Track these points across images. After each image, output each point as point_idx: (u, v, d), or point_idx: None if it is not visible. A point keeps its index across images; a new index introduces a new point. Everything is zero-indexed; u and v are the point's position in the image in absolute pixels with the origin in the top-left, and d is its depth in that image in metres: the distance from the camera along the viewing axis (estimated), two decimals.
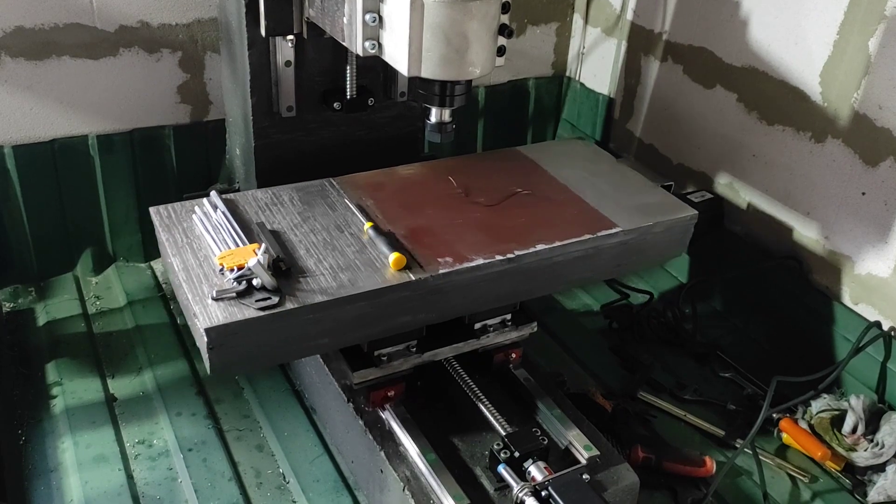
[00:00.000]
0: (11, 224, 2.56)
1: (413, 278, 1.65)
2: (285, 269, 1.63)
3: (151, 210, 1.85)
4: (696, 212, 2.00)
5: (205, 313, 1.51)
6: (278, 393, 2.27)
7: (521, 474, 1.71)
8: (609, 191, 2.03)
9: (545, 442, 1.76)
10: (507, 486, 1.70)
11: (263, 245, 1.65)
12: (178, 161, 2.70)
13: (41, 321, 2.51)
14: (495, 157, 2.20)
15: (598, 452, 1.82)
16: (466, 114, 3.07)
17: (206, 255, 1.69)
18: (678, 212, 1.99)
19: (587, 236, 1.84)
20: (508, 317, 1.97)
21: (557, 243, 1.80)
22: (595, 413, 2.12)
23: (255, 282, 1.56)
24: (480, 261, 1.72)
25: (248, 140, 2.09)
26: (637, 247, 1.93)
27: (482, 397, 1.89)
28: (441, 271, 1.68)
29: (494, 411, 1.85)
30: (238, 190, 2.31)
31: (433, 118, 1.71)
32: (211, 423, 2.16)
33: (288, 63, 1.98)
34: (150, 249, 2.79)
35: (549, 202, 1.97)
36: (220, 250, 1.67)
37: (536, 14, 3.12)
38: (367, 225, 1.79)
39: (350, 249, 1.73)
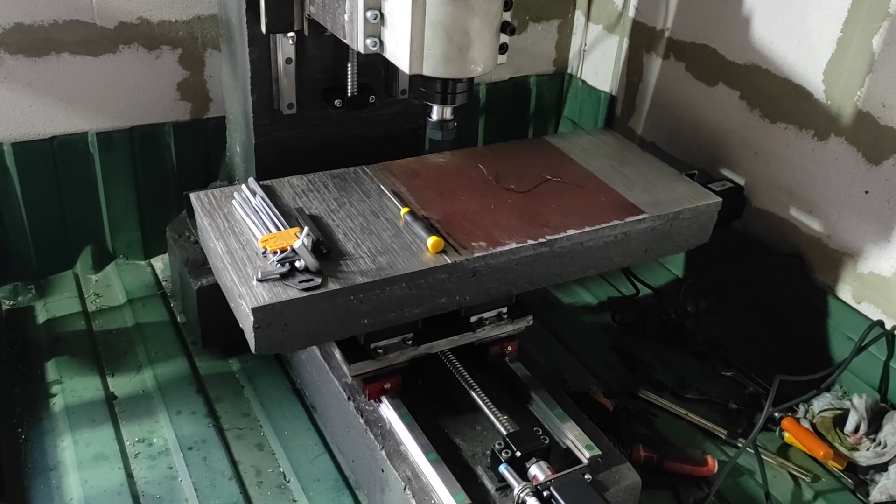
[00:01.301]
0: (11, 222, 2.55)
1: (450, 261, 1.71)
2: (325, 252, 1.68)
3: (192, 196, 1.91)
4: (720, 199, 2.07)
5: (251, 294, 1.56)
6: (279, 391, 2.26)
7: (523, 474, 1.70)
8: (636, 179, 2.10)
9: (546, 441, 1.75)
10: (509, 486, 1.69)
11: (305, 228, 1.69)
12: (178, 158, 2.69)
13: (41, 319, 2.50)
14: (524, 146, 2.29)
15: (600, 452, 1.81)
16: (468, 111, 3.06)
17: (248, 239, 1.75)
18: (703, 199, 2.06)
19: (616, 222, 1.90)
20: (504, 310, 1.99)
21: (588, 228, 1.87)
22: (596, 412, 2.11)
23: (297, 264, 1.61)
24: (514, 245, 1.78)
25: (248, 137, 2.08)
26: (665, 232, 2.01)
27: (483, 395, 1.88)
28: (476, 255, 1.74)
29: (496, 410, 1.85)
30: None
31: (434, 116, 1.70)
32: (211, 422, 2.16)
33: (289, 60, 1.97)
34: (150, 247, 2.78)
35: (579, 189, 2.03)
36: (262, 234, 1.73)
37: (538, 11, 3.11)
38: (404, 210, 1.84)
39: (386, 234, 1.79)
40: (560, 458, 1.81)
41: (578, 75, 3.26)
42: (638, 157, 2.25)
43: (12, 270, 2.62)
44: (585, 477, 1.71)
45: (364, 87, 2.07)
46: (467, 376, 1.94)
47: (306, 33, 1.87)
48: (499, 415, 1.84)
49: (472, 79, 1.64)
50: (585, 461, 1.79)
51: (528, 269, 1.83)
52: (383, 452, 1.81)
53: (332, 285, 1.60)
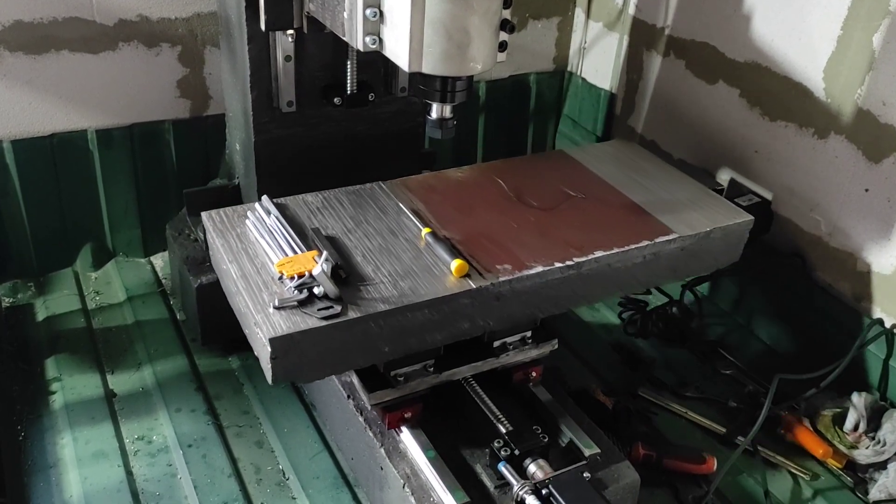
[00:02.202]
0: (10, 219, 2.55)
1: (474, 286, 1.64)
2: (345, 276, 1.62)
3: (203, 215, 1.84)
4: (752, 217, 1.98)
5: (268, 323, 1.49)
6: (278, 389, 2.26)
7: (522, 472, 1.70)
8: (661, 194, 2.02)
9: (546, 440, 1.75)
10: (508, 484, 1.69)
11: (324, 253, 1.62)
12: (178, 156, 2.69)
13: (40, 316, 2.50)
14: (542, 159, 2.23)
15: (599, 450, 1.81)
16: (467, 109, 3.06)
17: (263, 262, 1.67)
18: (734, 217, 1.97)
19: (646, 242, 1.82)
20: (528, 334, 1.92)
21: (616, 249, 1.79)
22: (596, 410, 2.11)
23: (316, 290, 1.55)
24: (540, 268, 1.71)
25: (247, 135, 2.08)
26: (694, 253, 1.92)
27: (482, 393, 1.88)
28: (501, 279, 1.67)
29: (494, 409, 1.84)
30: (238, 186, 2.31)
31: (434, 114, 1.69)
32: (210, 420, 2.16)
33: (288, 58, 1.97)
34: (150, 244, 2.78)
35: (603, 206, 1.96)
36: (278, 257, 1.66)
37: (538, 8, 3.11)
38: (425, 230, 1.78)
39: (406, 255, 1.72)
40: (559, 456, 1.81)
41: (578, 73, 3.25)
42: (661, 170, 2.16)
43: (12, 268, 2.63)
44: (584, 475, 1.71)
45: (363, 84, 2.07)
46: (482, 393, 1.89)
47: (306, 31, 1.86)
48: (497, 413, 1.84)
49: (472, 77, 1.63)
50: (584, 459, 1.78)
51: (554, 293, 1.76)
52: (382, 450, 1.81)
53: (353, 313, 1.54)
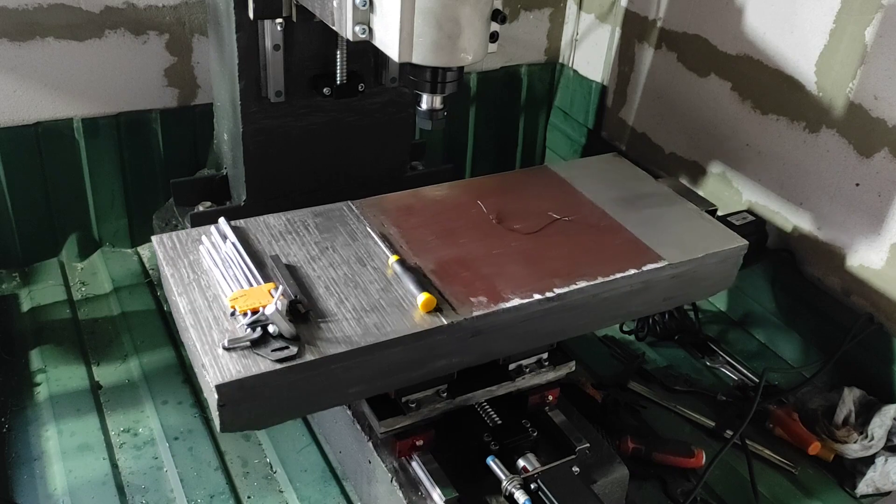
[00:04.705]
0: None
1: (445, 322, 1.52)
2: (304, 311, 1.50)
3: (154, 239, 1.70)
4: (746, 242, 1.89)
5: (215, 366, 1.37)
6: None
7: (511, 466, 1.69)
8: (652, 217, 1.91)
9: (535, 434, 1.75)
10: (497, 479, 1.68)
11: (280, 287, 1.49)
12: (165, 146, 2.66)
13: (25, 307, 2.48)
14: (527, 176, 2.09)
15: (588, 444, 1.80)
16: (458, 100, 3.04)
17: (216, 294, 1.55)
18: (728, 242, 1.86)
19: (633, 271, 1.71)
20: (545, 356, 1.84)
21: (601, 279, 1.67)
22: (585, 403, 2.11)
23: (271, 328, 1.42)
24: (518, 301, 1.58)
25: (236, 125, 2.06)
26: (687, 280, 1.81)
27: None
28: (475, 313, 1.55)
29: (484, 403, 1.83)
30: (226, 176, 2.28)
31: (424, 105, 1.67)
32: (197, 412, 2.14)
33: (277, 47, 1.94)
34: (137, 235, 2.76)
35: (590, 230, 1.84)
36: (232, 289, 1.52)
37: None
38: (393, 258, 1.65)
39: (374, 287, 1.60)
40: (548, 450, 1.80)
41: (570, 65, 3.24)
42: (652, 188, 2.04)
43: None
44: (573, 469, 1.71)
45: (353, 75, 2.05)
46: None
47: (294, 20, 1.85)
48: (487, 407, 1.83)
49: (463, 68, 1.61)
50: (574, 453, 1.78)
51: (536, 326, 1.64)
52: (370, 444, 1.80)
53: (310, 355, 1.40)
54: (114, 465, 1.97)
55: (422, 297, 1.53)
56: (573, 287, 1.64)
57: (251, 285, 1.53)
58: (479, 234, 1.79)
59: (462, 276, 1.65)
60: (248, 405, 1.39)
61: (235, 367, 1.37)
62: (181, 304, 1.53)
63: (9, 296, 2.52)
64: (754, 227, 2.14)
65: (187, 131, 2.67)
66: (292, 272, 1.61)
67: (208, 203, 2.23)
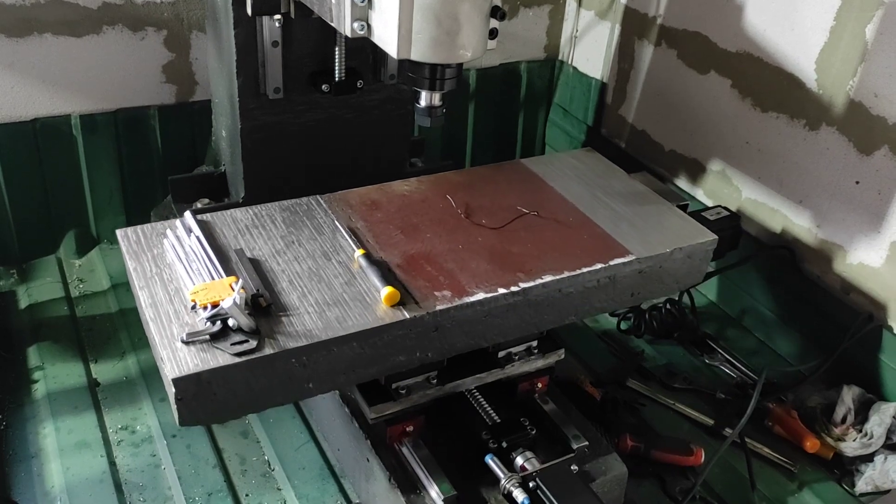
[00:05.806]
0: None
1: (407, 316, 1.51)
2: (266, 305, 1.48)
3: (118, 233, 1.69)
4: (716, 237, 1.87)
5: (173, 359, 1.36)
6: None
7: (509, 465, 1.69)
8: (622, 212, 1.90)
9: (533, 432, 1.74)
10: (495, 477, 1.68)
11: (240, 280, 1.49)
12: (164, 142, 2.65)
13: (23, 304, 2.47)
14: (499, 171, 2.05)
15: (587, 442, 1.81)
16: (457, 97, 3.03)
17: (178, 287, 1.53)
18: (697, 237, 1.85)
19: (599, 265, 1.70)
20: (534, 343, 1.86)
21: (566, 273, 1.66)
22: (584, 402, 2.11)
23: (230, 322, 1.41)
24: (482, 295, 1.57)
25: (234, 122, 2.05)
26: (654, 275, 1.80)
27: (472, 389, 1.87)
28: (438, 307, 1.53)
29: (482, 401, 1.83)
30: (224, 173, 2.28)
31: (423, 102, 1.67)
32: None
33: (275, 43, 1.94)
34: None
35: (558, 225, 1.83)
36: (194, 283, 1.51)
37: None
38: (359, 252, 1.64)
39: (338, 281, 1.58)
40: (547, 448, 1.80)
41: (569, 62, 3.23)
42: (624, 184, 2.02)
43: None
44: (572, 467, 1.71)
45: (352, 71, 2.04)
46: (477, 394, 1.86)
47: (293, 16, 1.84)
48: (485, 405, 1.82)
49: (462, 64, 1.60)
50: (572, 452, 1.78)
51: (500, 321, 1.62)
52: (368, 441, 1.79)
53: (269, 349, 1.39)
54: (111, 463, 1.97)
55: (385, 291, 1.52)
56: (538, 281, 1.63)
57: (214, 279, 1.53)
58: (447, 228, 1.78)
59: (427, 271, 1.64)
60: (207, 399, 1.38)
61: (193, 361, 1.36)
62: (142, 298, 1.52)
63: (6, 293, 2.51)
64: (728, 222, 2.13)
65: (185, 128, 2.66)
66: (256, 266, 1.60)
67: (206, 200, 2.23)
